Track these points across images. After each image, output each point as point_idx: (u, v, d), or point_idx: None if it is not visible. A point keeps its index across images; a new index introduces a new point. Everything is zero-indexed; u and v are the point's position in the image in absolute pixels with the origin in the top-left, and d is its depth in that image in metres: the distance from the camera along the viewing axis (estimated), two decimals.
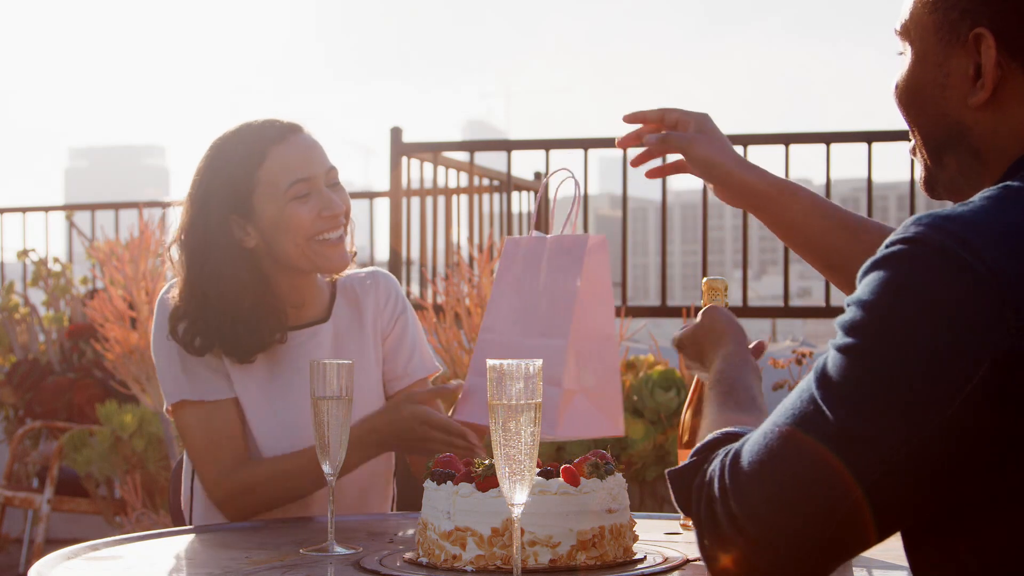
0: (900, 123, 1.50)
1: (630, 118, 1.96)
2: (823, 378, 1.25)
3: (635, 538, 1.85)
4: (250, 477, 2.35)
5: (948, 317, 1.18)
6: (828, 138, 5.82)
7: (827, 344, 1.28)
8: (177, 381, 2.38)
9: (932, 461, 1.19)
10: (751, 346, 1.77)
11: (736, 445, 1.31)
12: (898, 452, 1.19)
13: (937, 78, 1.39)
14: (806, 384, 1.27)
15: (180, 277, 2.39)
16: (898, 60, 1.45)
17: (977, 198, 1.26)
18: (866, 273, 1.25)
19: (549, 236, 2.19)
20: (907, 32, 1.42)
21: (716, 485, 1.29)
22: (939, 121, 1.40)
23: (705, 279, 1.91)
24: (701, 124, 1.91)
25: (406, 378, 2.53)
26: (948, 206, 1.26)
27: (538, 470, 1.75)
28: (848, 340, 1.24)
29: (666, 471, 1.39)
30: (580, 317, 2.09)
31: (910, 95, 1.43)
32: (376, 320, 2.52)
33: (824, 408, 1.23)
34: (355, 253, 2.51)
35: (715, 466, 1.31)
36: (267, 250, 2.37)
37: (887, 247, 1.24)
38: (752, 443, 1.29)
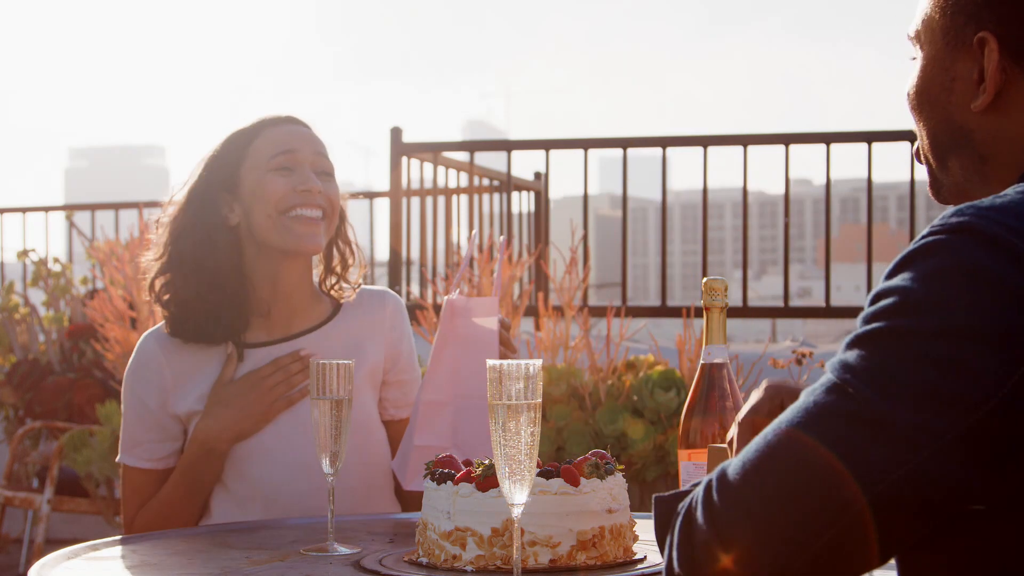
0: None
1: None
2: (846, 366, 1.19)
3: (635, 538, 1.85)
4: (147, 516, 2.42)
5: (1001, 298, 1.15)
6: (828, 138, 5.82)
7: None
8: (128, 439, 2.44)
9: (971, 452, 1.14)
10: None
11: (727, 462, 1.25)
12: (939, 440, 1.14)
13: (944, 82, 1.39)
14: (822, 380, 1.21)
15: (161, 250, 2.42)
16: (910, 65, 1.45)
17: (1011, 191, 1.24)
18: (902, 264, 1.21)
19: (453, 298, 2.24)
20: (919, 37, 1.43)
21: (701, 501, 1.23)
22: (945, 125, 1.41)
23: (705, 279, 1.91)
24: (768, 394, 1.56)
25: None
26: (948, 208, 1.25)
27: (538, 470, 1.75)
28: (880, 324, 1.18)
29: (654, 496, 1.33)
30: (430, 380, 2.17)
31: (919, 98, 1.43)
32: (382, 338, 2.50)
33: (849, 389, 1.17)
34: (359, 285, 2.52)
35: (702, 485, 1.25)
36: (247, 226, 2.40)
37: (925, 237, 1.21)
38: (746, 451, 1.23)
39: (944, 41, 1.39)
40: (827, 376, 1.21)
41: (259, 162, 2.38)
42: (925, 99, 1.42)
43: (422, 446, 2.17)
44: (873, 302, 1.21)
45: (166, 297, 2.42)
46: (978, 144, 1.38)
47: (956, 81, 1.38)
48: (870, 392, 1.17)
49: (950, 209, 1.22)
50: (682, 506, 1.27)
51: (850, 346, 1.21)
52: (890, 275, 1.21)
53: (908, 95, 1.45)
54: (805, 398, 1.22)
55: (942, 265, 1.18)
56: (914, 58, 1.44)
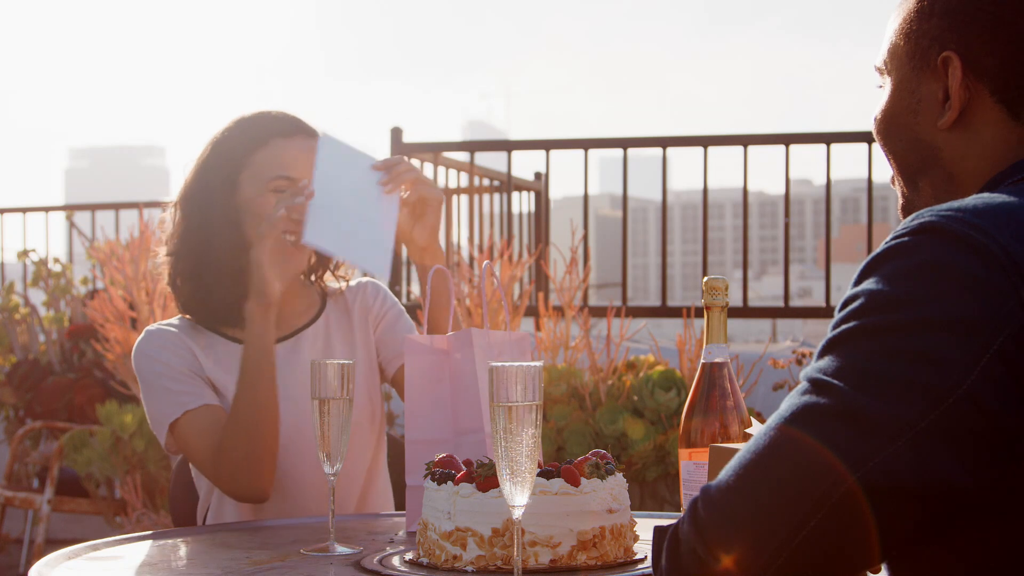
0: None
1: None
2: (819, 369, 1.22)
3: (636, 538, 1.84)
4: (224, 435, 2.31)
5: (965, 289, 1.18)
6: (828, 138, 5.82)
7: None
8: (173, 397, 2.36)
9: (945, 440, 1.16)
10: None
11: (709, 483, 1.26)
12: (912, 428, 1.16)
13: (911, 104, 1.44)
14: (798, 388, 1.24)
15: (175, 231, 2.42)
16: (877, 94, 1.51)
17: (972, 197, 1.28)
18: (868, 269, 1.24)
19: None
20: (885, 66, 1.48)
21: (688, 517, 1.25)
22: (913, 146, 1.45)
23: (706, 278, 1.91)
24: None
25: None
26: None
27: (538, 470, 1.75)
28: (850, 325, 1.22)
29: (654, 526, 1.34)
30: (416, 419, 2.15)
31: (887, 124, 1.48)
32: (365, 316, 2.52)
33: (824, 388, 1.20)
34: (347, 280, 2.54)
35: (688, 504, 1.27)
36: (239, 224, 2.40)
37: (888, 242, 1.24)
38: (725, 468, 1.24)
39: (910, 65, 1.44)
40: (802, 384, 1.24)
41: (259, 177, 2.37)
42: (893, 123, 1.47)
43: (415, 486, 2.13)
44: (842, 308, 1.24)
45: (173, 274, 2.43)
46: (946, 161, 1.43)
47: (922, 102, 1.43)
48: (844, 387, 1.19)
49: (911, 215, 1.26)
50: (671, 527, 1.29)
51: (822, 352, 1.24)
52: (857, 281, 1.25)
53: (876, 121, 1.49)
54: (782, 405, 1.24)
55: (906, 264, 1.22)
56: (881, 87, 1.50)
